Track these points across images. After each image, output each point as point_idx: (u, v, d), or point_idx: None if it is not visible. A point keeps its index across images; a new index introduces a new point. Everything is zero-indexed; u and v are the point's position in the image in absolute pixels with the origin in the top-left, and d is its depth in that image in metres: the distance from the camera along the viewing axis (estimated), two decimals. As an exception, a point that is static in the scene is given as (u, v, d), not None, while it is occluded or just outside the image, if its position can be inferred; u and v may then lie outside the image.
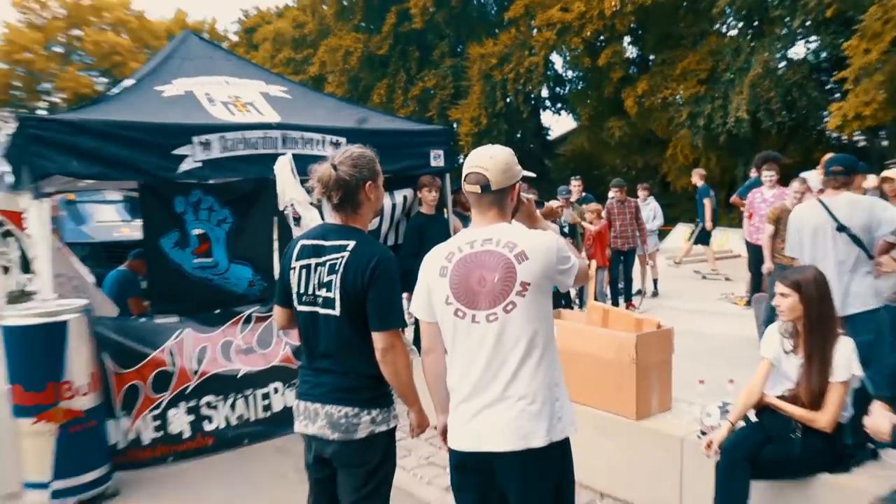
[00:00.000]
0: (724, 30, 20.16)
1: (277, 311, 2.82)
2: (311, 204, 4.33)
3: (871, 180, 5.91)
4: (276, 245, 5.68)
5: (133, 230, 10.94)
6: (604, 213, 9.45)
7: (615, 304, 9.62)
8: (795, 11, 16.51)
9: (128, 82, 5.93)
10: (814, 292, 3.14)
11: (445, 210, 6.45)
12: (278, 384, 5.16)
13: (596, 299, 8.86)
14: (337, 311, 2.53)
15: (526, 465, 2.18)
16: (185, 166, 4.84)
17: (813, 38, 19.04)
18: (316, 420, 2.59)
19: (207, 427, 4.88)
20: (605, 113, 23.21)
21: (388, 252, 2.59)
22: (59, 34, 47.45)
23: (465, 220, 7.70)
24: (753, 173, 9.34)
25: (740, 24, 19.29)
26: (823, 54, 19.32)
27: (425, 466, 4.52)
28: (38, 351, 3.98)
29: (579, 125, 27.12)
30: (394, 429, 2.67)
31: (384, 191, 5.80)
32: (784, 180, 7.72)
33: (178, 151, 4.81)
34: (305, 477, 2.77)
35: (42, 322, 4.00)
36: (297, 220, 4.39)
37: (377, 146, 5.55)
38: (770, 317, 3.37)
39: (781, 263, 7.30)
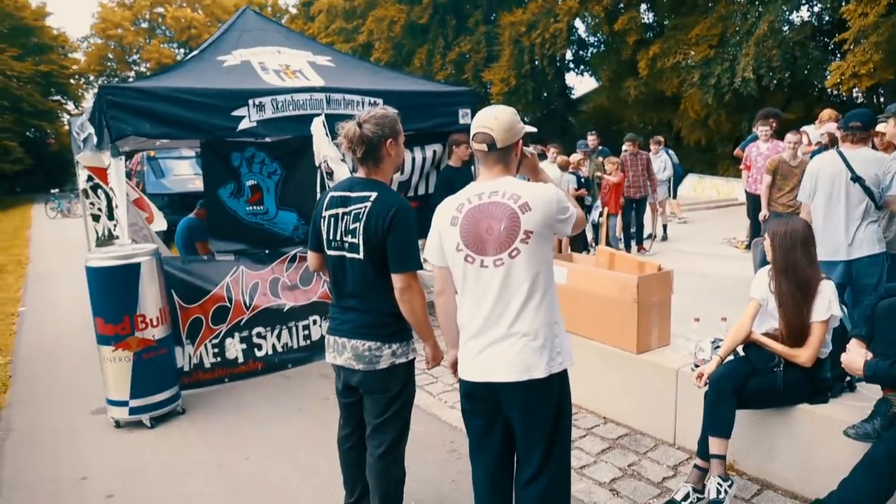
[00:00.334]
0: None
1: (311, 256, 2.79)
2: (342, 160, 4.26)
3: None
4: (318, 194, 5.67)
5: (205, 183, 11.01)
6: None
7: (627, 247, 9.45)
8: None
9: (194, 53, 5.90)
10: (782, 241, 2.99)
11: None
12: (317, 317, 5.24)
13: (608, 243, 8.73)
14: (361, 255, 2.50)
15: (528, 394, 2.14)
16: (242, 126, 4.84)
17: (816, 1, 18.09)
18: (343, 352, 2.59)
19: (258, 353, 5.03)
20: (624, 74, 22.53)
21: (405, 202, 2.54)
22: (144, 12, 47.70)
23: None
24: (755, 129, 8.97)
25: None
26: (826, 18, 18.35)
27: (450, 392, 4.52)
28: (116, 288, 4.02)
29: (600, 85, 26.41)
30: (412, 360, 2.65)
31: (417, 146, 5.80)
32: (784, 134, 7.38)
33: (236, 113, 4.82)
34: (342, 400, 2.77)
35: (119, 264, 4.03)
36: (330, 174, 4.32)
37: (410, 106, 5.57)
38: (764, 260, 3.21)
39: (777, 211, 7.06)
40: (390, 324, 2.54)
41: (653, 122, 24.93)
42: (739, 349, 3.21)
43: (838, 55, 16.38)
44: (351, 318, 2.58)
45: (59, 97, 42.82)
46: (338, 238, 2.57)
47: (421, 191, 5.96)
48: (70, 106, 42.68)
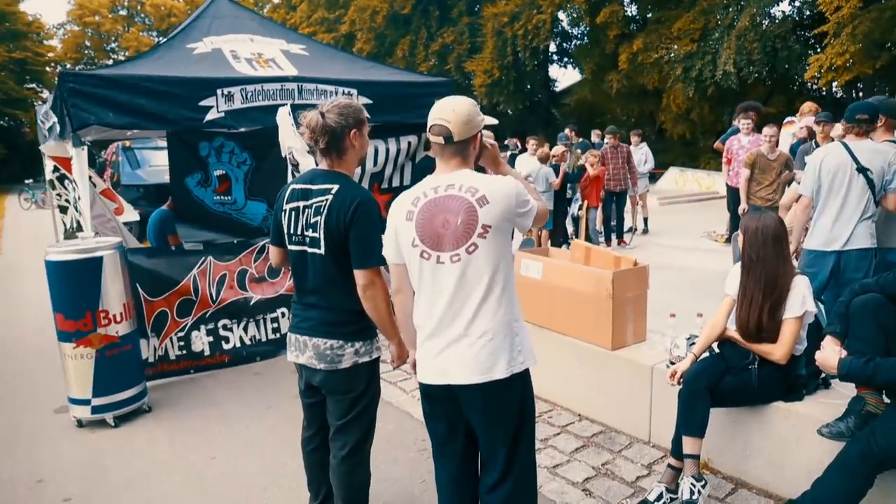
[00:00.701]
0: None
1: (272, 250, 2.70)
2: (308, 151, 4.15)
3: (838, 128, 5.56)
4: (289, 183, 5.60)
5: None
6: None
7: (608, 240, 9.43)
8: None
9: (163, 41, 5.74)
10: (753, 236, 2.94)
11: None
12: (285, 309, 5.15)
13: (588, 237, 8.68)
14: (322, 250, 2.41)
15: (489, 396, 2.06)
16: (209, 116, 4.70)
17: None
18: (305, 351, 2.50)
19: (225, 346, 4.95)
20: (606, 67, 22.51)
21: (368, 195, 2.45)
22: (123, -1, 46.85)
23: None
24: (735, 122, 8.96)
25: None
26: (807, 12, 18.46)
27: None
28: (77, 283, 3.88)
29: (583, 78, 26.35)
30: (377, 359, 2.56)
31: (391, 136, 5.69)
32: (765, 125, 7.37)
33: (204, 103, 4.68)
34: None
35: (80, 258, 3.89)
36: (296, 166, 4.19)
37: (387, 97, 5.46)
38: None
39: (756, 205, 7.05)
40: (353, 321, 2.46)
41: (635, 115, 24.99)
42: (714, 346, 3.16)
43: (819, 49, 16.47)
44: (312, 316, 2.50)
45: (34, 85, 41.99)
46: (298, 232, 2.48)
47: (395, 182, 5.85)
48: (46, 94, 41.90)
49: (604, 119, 25.04)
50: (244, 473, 3.42)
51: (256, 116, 4.87)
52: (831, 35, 14.28)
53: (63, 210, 6.83)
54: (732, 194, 8.33)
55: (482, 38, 23.57)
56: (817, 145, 5.83)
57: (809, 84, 20.44)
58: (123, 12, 46.87)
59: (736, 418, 3.13)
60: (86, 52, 45.85)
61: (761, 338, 2.91)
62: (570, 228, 9.38)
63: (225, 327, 4.93)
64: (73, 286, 3.89)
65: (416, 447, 3.64)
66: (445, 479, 2.26)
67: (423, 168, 5.77)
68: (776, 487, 3.01)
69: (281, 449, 3.64)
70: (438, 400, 2.16)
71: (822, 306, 3.23)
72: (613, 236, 9.50)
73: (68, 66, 44.36)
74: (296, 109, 4.66)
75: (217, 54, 5.16)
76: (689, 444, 2.89)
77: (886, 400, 2.68)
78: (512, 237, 2.18)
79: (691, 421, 2.90)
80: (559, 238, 8.84)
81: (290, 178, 4.91)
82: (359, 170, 5.55)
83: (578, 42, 26.72)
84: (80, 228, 5.99)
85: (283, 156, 4.34)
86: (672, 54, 18.88)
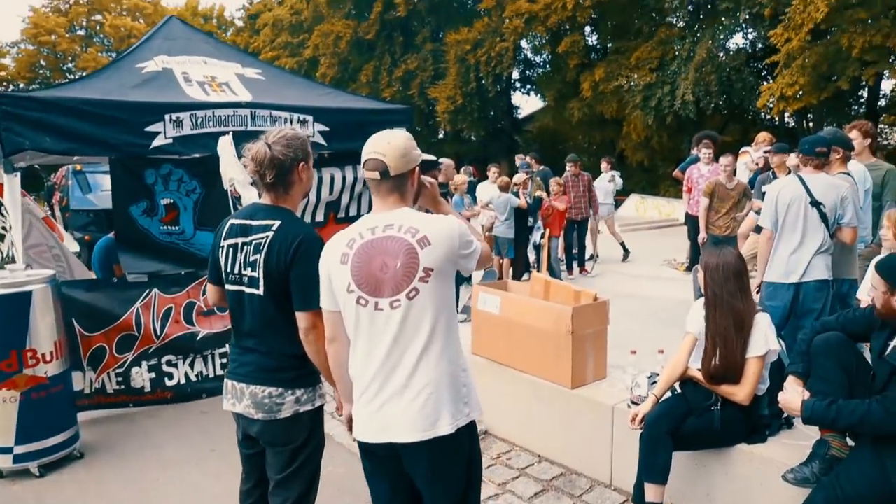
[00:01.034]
0: (674, 21, 19.77)
1: (210, 289, 2.52)
2: (252, 184, 3.97)
3: (793, 158, 5.62)
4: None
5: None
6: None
7: (569, 268, 9.38)
8: (741, 5, 16.32)
9: (111, 62, 5.51)
10: (714, 273, 2.87)
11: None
12: None
13: (550, 265, 8.61)
14: (261, 291, 2.24)
15: (434, 453, 1.90)
16: (156, 142, 4.48)
17: (751, 29, 18.86)
18: (242, 399, 2.31)
19: (168, 383, 4.67)
20: (568, 95, 22.84)
21: (312, 232, 2.29)
22: (81, 18, 46.12)
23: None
24: (694, 150, 9.07)
25: (688, 17, 18.97)
26: (759, 45, 19.10)
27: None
28: (2, 320, 3.61)
29: (546, 105, 26.70)
30: (320, 407, 2.38)
31: (348, 164, 5.54)
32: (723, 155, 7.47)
33: (151, 128, 4.45)
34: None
35: (6, 293, 3.63)
36: (238, 199, 4.00)
37: (345, 124, 5.30)
38: (701, 290, 3.09)
39: (714, 234, 7.08)
40: (293, 367, 2.28)
41: (597, 142, 25.35)
42: (676, 385, 3.06)
43: (770, 80, 17.01)
44: (250, 361, 2.31)
45: (-15, 105, 40.77)
46: (236, 271, 2.31)
47: (353, 211, 5.69)
48: (-2, 115, 40.60)
49: (565, 146, 25.38)
50: (181, 527, 3.17)
51: (207, 143, 4.66)
52: (781, 65, 14.76)
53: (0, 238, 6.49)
54: (692, 222, 8.40)
55: (445, 64, 23.72)
56: (775, 176, 5.88)
57: (763, 114, 21.07)
58: (81, 32, 46.02)
59: (699, 461, 3.03)
60: (41, 71, 44.78)
61: (727, 378, 2.82)
62: (531, 256, 9.31)
63: (169, 363, 4.66)
64: (-2, 323, 3.61)
65: (367, 496, 3.42)
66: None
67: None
68: (741, 534, 2.90)
69: (222, 499, 3.39)
70: (379, 458, 1.99)
71: (783, 343, 3.16)
72: (575, 264, 9.47)
73: (21, 85, 43.22)
74: (248, 136, 4.48)
75: (168, 75, 4.94)
76: (651, 492, 2.77)
77: (850, 443, 2.60)
78: (457, 280, 2.03)
79: (653, 466, 2.78)
80: (521, 267, 8.76)
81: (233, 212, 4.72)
82: (314, 198, 5.39)
83: (541, 70, 27.10)
84: (13, 260, 5.67)
85: (225, 188, 4.13)
86: (632, 83, 19.27)
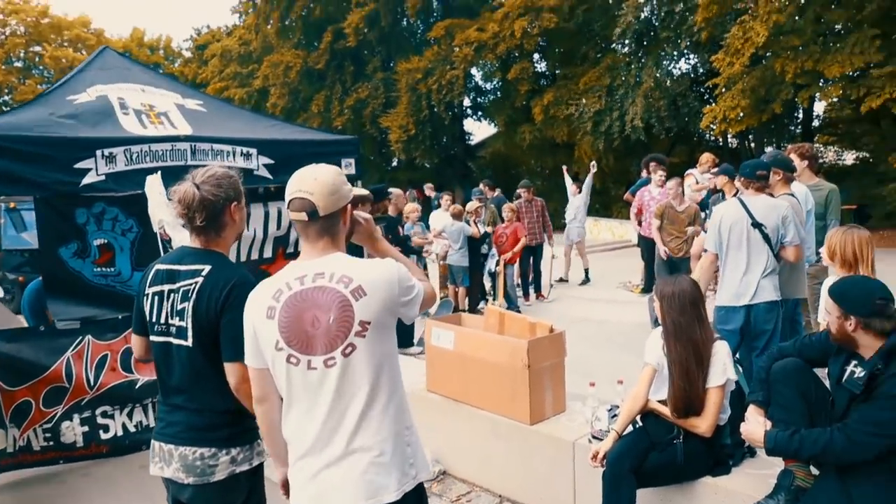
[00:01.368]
0: (619, 48, 20.28)
1: (135, 340, 2.33)
2: (183, 225, 3.75)
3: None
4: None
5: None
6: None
7: (526, 295, 9.34)
8: (681, 34, 16.88)
9: (41, 94, 5.21)
10: (670, 303, 2.81)
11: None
12: None
13: (507, 293, 8.54)
14: (189, 342, 2.07)
15: None
16: (87, 180, 4.17)
17: (692, 55, 19.49)
18: (171, 462, 2.10)
19: (103, 436, 4.30)
20: (518, 120, 23.14)
21: (246, 277, 2.11)
22: (19, 50, 44.80)
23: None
24: (644, 173, 9.18)
25: (632, 45, 19.50)
26: (701, 70, 19.75)
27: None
28: None
29: (497, 131, 26.96)
30: (259, 466, 2.18)
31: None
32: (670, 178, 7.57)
33: (81, 165, 4.14)
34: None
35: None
36: (169, 241, 3.77)
37: (290, 156, 5.11)
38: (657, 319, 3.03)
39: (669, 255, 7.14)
40: (227, 424, 2.09)
41: (549, 167, 25.65)
42: (637, 418, 2.97)
43: (713, 102, 17.55)
44: (178, 420, 2.11)
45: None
46: (162, 321, 2.13)
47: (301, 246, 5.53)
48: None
49: (518, 171, 25.64)
50: None
51: (143, 180, 4.40)
52: (722, 87, 15.25)
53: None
54: (646, 244, 8.48)
55: (397, 93, 23.77)
56: (724, 197, 5.96)
57: (707, 135, 21.68)
58: (19, 64, 44.71)
59: (664, 496, 2.92)
60: (-26, 104, 43.22)
61: (690, 410, 2.74)
62: (487, 284, 9.24)
63: (105, 414, 4.30)
64: None
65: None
66: None
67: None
68: (709, 571, 2.80)
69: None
70: None
71: (741, 369, 3.11)
72: (532, 290, 9.43)
73: (-45, 120, 41.55)
74: (189, 172, 4.26)
75: (102, 102, 4.64)
76: (616, 532, 2.65)
77: (815, 472, 2.54)
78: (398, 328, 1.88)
79: (617, 506, 2.67)
80: (476, 295, 8.68)
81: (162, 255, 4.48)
82: (261, 233, 5.19)
83: (491, 96, 27.40)
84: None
85: (155, 231, 3.90)
86: (583, 109, 19.61)
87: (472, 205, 8.79)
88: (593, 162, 11.18)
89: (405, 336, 6.44)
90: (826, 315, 2.48)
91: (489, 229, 8.75)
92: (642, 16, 18.05)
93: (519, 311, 7.94)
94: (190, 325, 2.06)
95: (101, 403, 4.28)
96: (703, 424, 2.74)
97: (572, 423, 3.49)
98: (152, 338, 2.17)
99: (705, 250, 4.39)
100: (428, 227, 8.84)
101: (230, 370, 2.02)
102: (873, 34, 12.95)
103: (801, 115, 20.67)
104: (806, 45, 13.92)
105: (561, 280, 10.49)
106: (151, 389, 4.46)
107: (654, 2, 17.80)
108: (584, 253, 10.65)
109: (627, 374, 3.62)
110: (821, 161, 20.62)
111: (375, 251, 2.03)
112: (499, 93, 26.25)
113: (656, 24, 18.34)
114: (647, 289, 8.67)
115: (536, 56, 23.64)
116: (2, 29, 42.85)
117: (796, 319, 4.56)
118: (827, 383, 2.62)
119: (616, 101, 18.89)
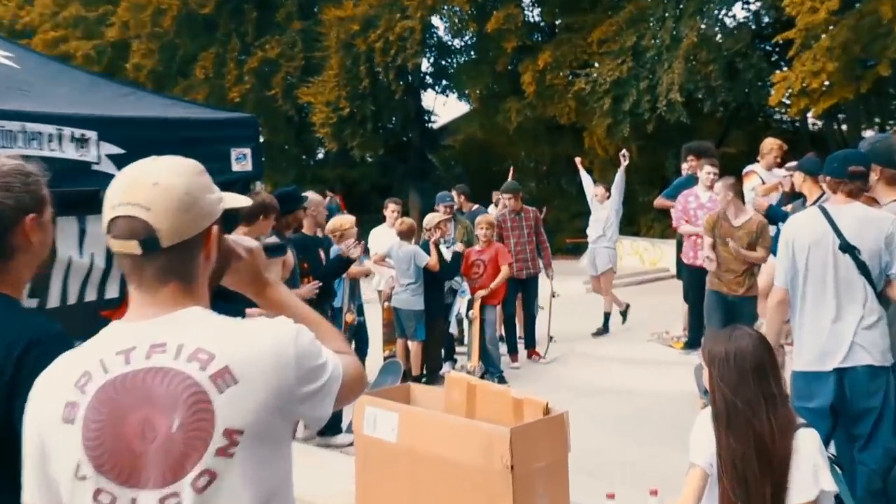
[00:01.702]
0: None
1: None
2: None
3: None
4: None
5: None
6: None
7: (513, 353, 9.28)
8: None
9: None
10: (722, 370, 2.80)
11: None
12: None
13: (484, 348, 8.46)
14: None
15: None
16: None
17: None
18: None
19: None
20: (502, 93, 23.37)
21: (48, 331, 2.01)
22: None
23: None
24: (689, 169, 9.15)
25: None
26: (767, 19, 20.10)
27: None
28: None
29: (471, 109, 27.24)
30: None
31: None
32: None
33: None
34: None
35: None
36: None
37: (148, 142, 5.00)
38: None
39: (718, 292, 7.08)
40: None
41: (546, 160, 25.88)
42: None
43: (784, 66, 17.80)
44: None
45: None
46: None
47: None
48: None
49: (501, 166, 25.72)
50: None
51: None
52: (799, 43, 15.29)
53: None
54: (690, 276, 8.44)
55: (323, 52, 23.87)
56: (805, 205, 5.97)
57: (778, 114, 22.13)
58: None
59: None
60: None
61: None
62: (454, 330, 9.10)
63: None
64: None
65: None
66: None
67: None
68: None
69: None
70: None
71: (839, 472, 3.05)
72: (521, 346, 9.39)
73: None
74: None
75: None
76: None
77: None
78: (294, 435, 1.73)
79: None
80: (437, 353, 8.57)
81: None
82: (101, 261, 5.08)
83: (462, 58, 27.70)
84: None
85: None
86: (595, 77, 19.75)
87: (432, 218, 8.60)
88: (624, 152, 11.06)
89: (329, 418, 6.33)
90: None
91: (460, 248, 8.59)
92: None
93: (502, 380, 7.91)
94: None
95: None
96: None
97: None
98: None
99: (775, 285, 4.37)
100: (367, 252, 8.75)
101: None
102: None
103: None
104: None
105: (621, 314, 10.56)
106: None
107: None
108: (608, 289, 10.69)
109: (666, 480, 3.61)
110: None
111: (263, 302, 1.86)
112: (473, 53, 26.58)
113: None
114: (692, 343, 8.67)
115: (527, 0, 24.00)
116: None
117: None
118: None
119: (644, 66, 19.15)
